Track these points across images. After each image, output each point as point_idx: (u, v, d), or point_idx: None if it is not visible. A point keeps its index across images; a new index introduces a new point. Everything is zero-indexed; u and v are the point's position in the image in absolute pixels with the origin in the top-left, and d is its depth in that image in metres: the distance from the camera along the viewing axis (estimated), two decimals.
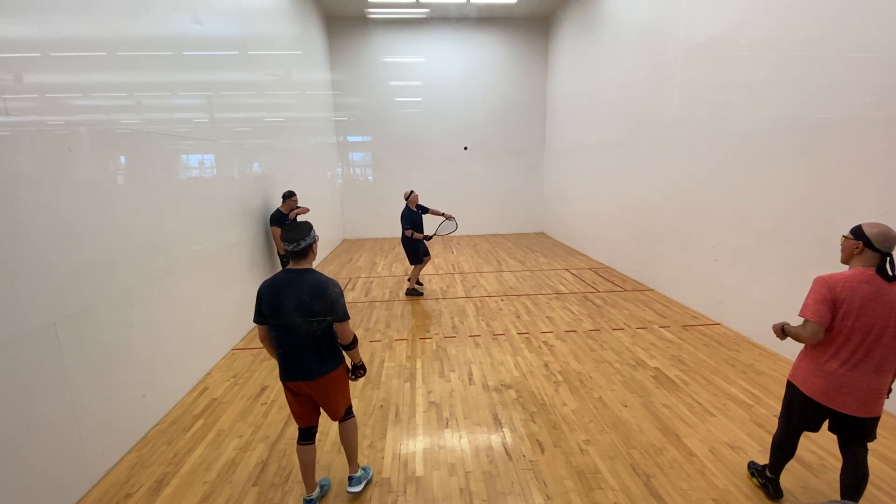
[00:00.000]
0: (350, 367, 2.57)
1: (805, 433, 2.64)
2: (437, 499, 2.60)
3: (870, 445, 2.37)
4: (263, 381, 4.04)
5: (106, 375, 2.89)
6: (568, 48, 10.06)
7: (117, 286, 3.02)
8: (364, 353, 4.61)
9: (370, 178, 11.88)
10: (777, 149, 4.32)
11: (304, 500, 2.54)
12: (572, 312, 5.72)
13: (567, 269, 8.04)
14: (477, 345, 4.77)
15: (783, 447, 2.45)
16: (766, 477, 2.58)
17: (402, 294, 6.68)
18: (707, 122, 5.31)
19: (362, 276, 7.86)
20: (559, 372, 4.11)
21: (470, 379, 4.03)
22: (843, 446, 2.30)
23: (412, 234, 6.25)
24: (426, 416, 3.46)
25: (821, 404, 2.19)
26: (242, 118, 5.44)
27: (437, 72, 11.27)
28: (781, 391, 3.66)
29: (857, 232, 2.08)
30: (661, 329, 5.09)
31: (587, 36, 8.90)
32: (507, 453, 2.99)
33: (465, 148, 11.63)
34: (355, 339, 2.46)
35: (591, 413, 3.44)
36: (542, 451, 2.99)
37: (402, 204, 7.35)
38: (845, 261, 2.17)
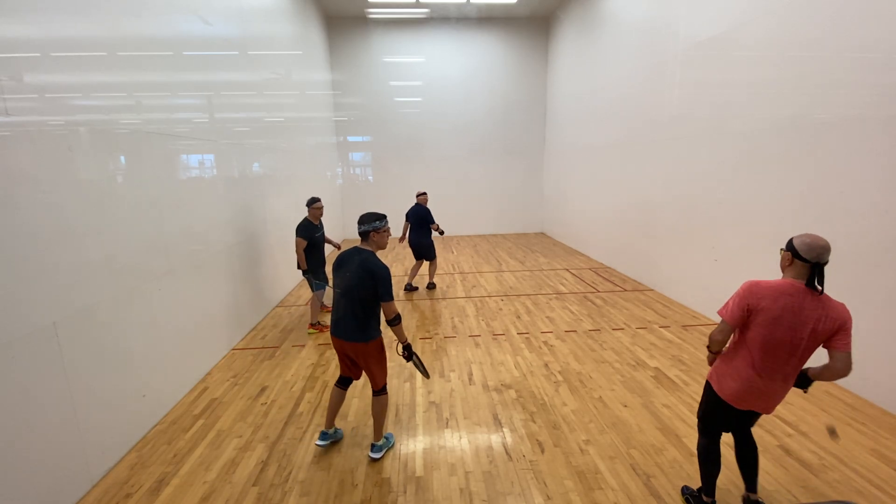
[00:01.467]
0: (401, 348, 2.91)
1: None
2: (437, 499, 2.60)
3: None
4: (263, 381, 4.04)
5: (106, 375, 2.89)
6: (568, 48, 10.06)
7: (117, 286, 3.02)
8: None
9: (370, 177, 11.88)
10: (777, 149, 4.32)
11: (321, 432, 3.07)
12: (572, 312, 5.72)
13: (567, 269, 8.04)
14: (477, 345, 4.77)
15: (710, 457, 2.37)
16: (703, 502, 2.42)
17: (402, 294, 6.68)
18: (707, 122, 5.31)
19: None
20: (559, 372, 4.11)
21: (470, 379, 4.03)
22: (738, 432, 2.40)
23: (438, 227, 6.64)
24: (426, 416, 3.46)
25: (733, 406, 2.23)
26: (242, 118, 5.44)
27: (437, 72, 11.27)
28: None
29: (789, 243, 2.07)
30: (661, 329, 5.09)
31: (587, 36, 8.90)
32: (507, 453, 2.99)
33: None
34: (397, 318, 2.77)
35: (591, 413, 3.44)
36: (542, 451, 2.99)
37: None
38: (783, 269, 2.13)
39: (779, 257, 2.17)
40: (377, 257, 2.76)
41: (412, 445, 3.10)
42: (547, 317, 5.58)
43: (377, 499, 2.61)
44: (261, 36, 6.17)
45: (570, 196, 10.20)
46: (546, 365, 4.26)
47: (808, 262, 1.98)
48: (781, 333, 2.02)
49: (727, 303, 2.16)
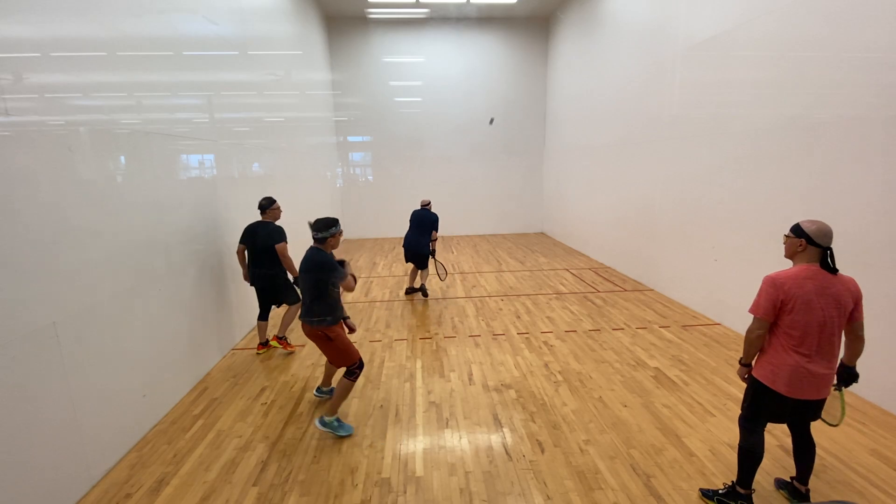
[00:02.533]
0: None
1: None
2: (437, 499, 2.60)
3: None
4: (263, 382, 4.04)
5: (106, 375, 2.89)
6: (568, 48, 10.06)
7: (117, 286, 3.02)
8: (364, 352, 4.60)
9: (370, 178, 11.88)
10: (777, 149, 4.32)
11: (317, 387, 3.71)
12: (572, 312, 5.72)
13: (567, 269, 8.04)
14: (477, 345, 4.77)
15: (755, 450, 2.39)
16: (740, 495, 2.43)
17: (402, 294, 6.67)
18: (707, 122, 5.31)
19: (362, 275, 7.86)
20: (559, 372, 4.11)
21: (470, 379, 4.03)
22: (794, 426, 2.46)
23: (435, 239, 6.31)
24: (426, 416, 3.46)
25: (787, 396, 2.28)
26: (242, 118, 5.44)
27: (437, 72, 11.27)
28: None
29: (798, 230, 2.24)
30: (661, 329, 5.09)
31: (587, 36, 8.90)
32: (507, 453, 2.99)
33: (492, 120, 11.28)
34: (351, 279, 3.17)
35: (591, 413, 3.44)
36: (542, 451, 2.99)
37: (401, 203, 7.22)
38: (789, 257, 2.31)
39: (782, 248, 2.28)
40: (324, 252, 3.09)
41: (412, 445, 3.10)
42: (547, 317, 5.58)
43: (377, 499, 2.61)
44: (261, 36, 6.17)
45: (570, 196, 10.20)
46: (546, 365, 4.26)
47: (821, 247, 2.17)
48: (816, 315, 2.16)
49: (757, 301, 2.27)
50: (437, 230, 6.21)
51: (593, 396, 3.68)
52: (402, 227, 6.82)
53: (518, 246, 10.39)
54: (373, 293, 6.78)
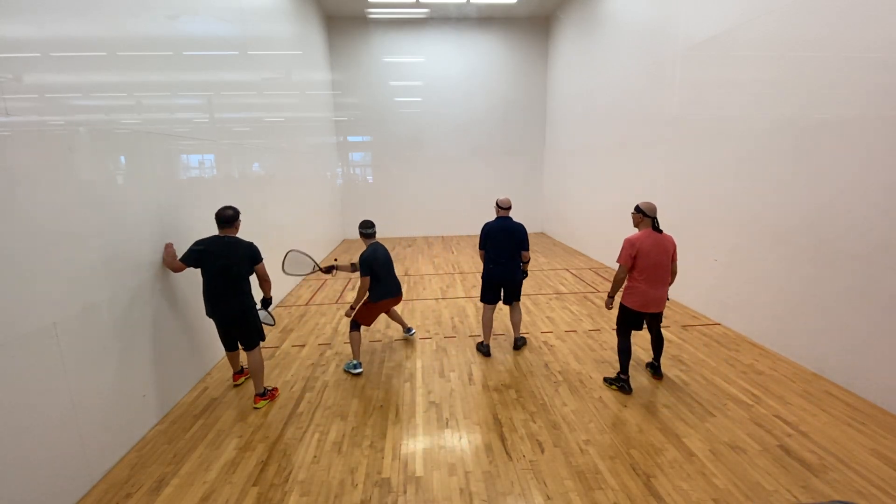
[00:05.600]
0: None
1: None
2: (437, 499, 2.60)
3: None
4: (264, 381, 4.03)
5: (106, 375, 2.89)
6: (568, 48, 10.06)
7: (117, 286, 3.02)
8: (364, 352, 4.61)
9: (370, 178, 11.88)
10: (777, 149, 4.32)
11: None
12: (572, 312, 5.72)
13: (567, 269, 8.03)
14: None
15: (627, 349, 3.74)
16: (621, 379, 3.73)
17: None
18: (707, 122, 5.31)
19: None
20: (559, 372, 4.11)
21: (470, 379, 4.03)
22: (650, 329, 3.89)
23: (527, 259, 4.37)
24: (426, 416, 3.46)
25: (640, 311, 3.65)
26: (242, 118, 5.44)
27: (437, 72, 11.27)
28: (782, 391, 3.67)
29: (638, 208, 3.60)
30: (661, 329, 5.07)
31: (587, 36, 8.90)
32: (507, 453, 2.99)
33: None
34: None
35: (591, 413, 3.44)
36: (542, 451, 2.99)
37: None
38: (636, 226, 3.65)
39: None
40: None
41: (412, 445, 3.10)
42: (547, 317, 5.57)
43: (377, 499, 2.61)
44: (261, 36, 6.17)
45: (570, 196, 10.20)
46: (546, 365, 4.26)
47: (651, 217, 3.57)
48: (653, 259, 3.53)
49: (622, 255, 3.59)
50: (527, 248, 4.31)
51: (593, 396, 3.68)
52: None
53: None
54: None
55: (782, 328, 4.33)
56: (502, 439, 3.14)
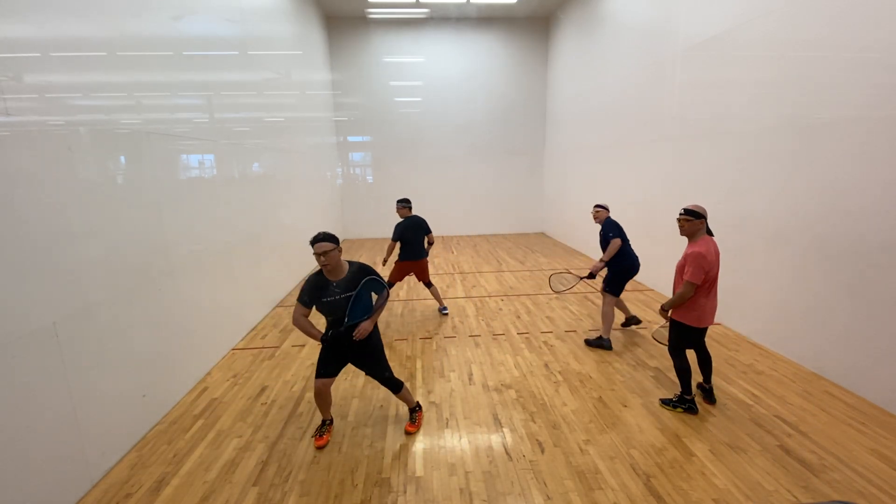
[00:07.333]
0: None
1: None
2: (437, 499, 2.60)
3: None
4: (263, 381, 4.04)
5: (106, 375, 2.89)
6: (568, 48, 10.06)
7: (117, 286, 3.02)
8: None
9: (370, 178, 11.88)
10: (777, 149, 4.32)
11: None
12: (572, 312, 5.72)
13: (567, 270, 8.03)
14: (477, 345, 4.77)
15: (688, 368, 3.41)
16: (686, 399, 3.39)
17: (401, 293, 6.67)
18: (707, 122, 5.31)
19: None
20: (559, 372, 4.11)
21: (470, 379, 4.03)
22: (699, 349, 3.50)
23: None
24: (426, 416, 3.46)
25: (701, 328, 3.31)
26: (242, 118, 5.43)
27: (437, 72, 11.27)
28: (782, 391, 3.67)
29: (696, 214, 3.19)
30: (661, 329, 5.07)
31: (587, 36, 8.90)
32: (507, 453, 2.99)
33: None
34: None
35: (591, 413, 3.44)
36: (542, 451, 2.99)
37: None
38: (689, 234, 3.24)
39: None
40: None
41: (412, 445, 3.10)
42: (547, 317, 5.58)
43: (377, 499, 2.61)
44: (261, 36, 6.17)
45: (570, 196, 10.19)
46: (546, 365, 4.26)
47: (706, 220, 3.24)
48: (717, 269, 3.21)
49: (695, 273, 3.12)
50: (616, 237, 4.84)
51: (593, 396, 3.68)
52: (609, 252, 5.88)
53: (518, 246, 10.39)
54: None
55: (782, 328, 4.33)
56: (502, 439, 3.14)
